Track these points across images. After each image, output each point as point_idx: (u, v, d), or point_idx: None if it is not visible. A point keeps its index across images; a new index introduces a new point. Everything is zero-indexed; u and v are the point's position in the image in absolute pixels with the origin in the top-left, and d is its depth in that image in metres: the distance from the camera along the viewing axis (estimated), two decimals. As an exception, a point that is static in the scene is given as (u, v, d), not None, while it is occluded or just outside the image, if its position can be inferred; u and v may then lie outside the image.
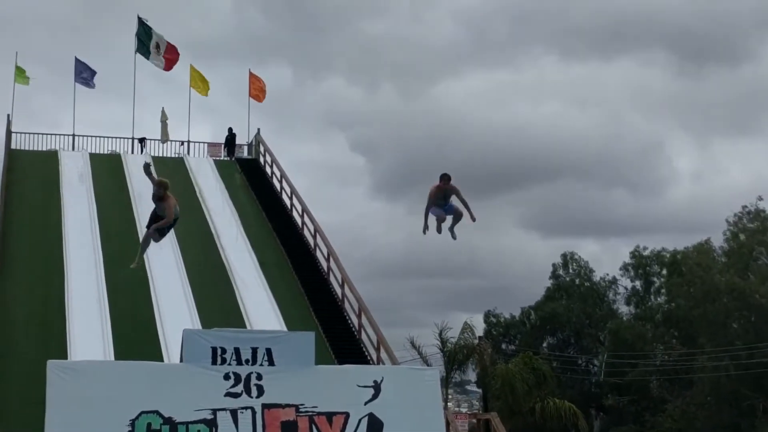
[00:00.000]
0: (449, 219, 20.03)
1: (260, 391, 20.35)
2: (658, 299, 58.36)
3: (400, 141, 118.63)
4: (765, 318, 47.14)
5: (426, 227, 20.74)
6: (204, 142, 46.70)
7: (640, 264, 58.62)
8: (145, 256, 32.13)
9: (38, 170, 39.58)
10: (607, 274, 60.56)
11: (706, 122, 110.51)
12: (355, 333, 29.25)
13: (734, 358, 46.27)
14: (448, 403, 48.70)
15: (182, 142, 46.22)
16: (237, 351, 20.54)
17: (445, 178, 19.65)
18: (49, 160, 40.95)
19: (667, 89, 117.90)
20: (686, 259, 52.42)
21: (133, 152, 44.75)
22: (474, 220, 19.63)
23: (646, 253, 58.70)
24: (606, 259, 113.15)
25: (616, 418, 53.35)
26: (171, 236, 33.63)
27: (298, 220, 36.29)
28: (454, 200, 20.01)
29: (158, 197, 16.47)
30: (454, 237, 19.76)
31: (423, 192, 19.98)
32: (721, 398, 46.21)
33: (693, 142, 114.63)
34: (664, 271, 57.21)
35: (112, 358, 24.96)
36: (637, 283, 58.94)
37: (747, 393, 45.05)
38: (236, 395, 20.21)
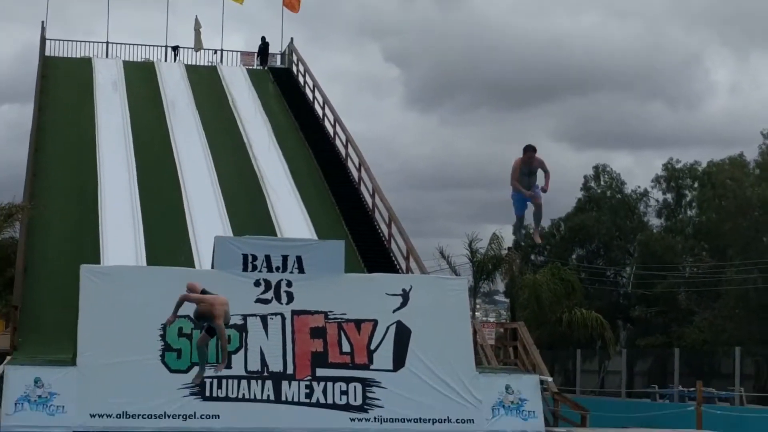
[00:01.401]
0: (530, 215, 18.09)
1: (290, 297, 20.70)
2: (689, 212, 58.24)
3: (435, 52, 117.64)
4: (796, 232, 47.12)
5: (520, 227, 18.91)
6: (237, 51, 46.73)
7: (672, 177, 58.37)
8: (176, 159, 32.55)
9: (72, 77, 39.79)
10: (639, 187, 60.41)
11: (745, 35, 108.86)
12: (385, 242, 29.50)
13: (763, 271, 46.30)
14: (476, 313, 49.12)
15: (215, 51, 46.26)
16: (268, 258, 20.87)
17: (530, 150, 17.19)
18: (83, 67, 41.14)
19: (707, 0, 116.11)
20: (719, 173, 52.16)
21: (166, 60, 44.83)
22: (545, 190, 17.41)
23: (679, 166, 58.45)
24: (639, 172, 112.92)
25: (643, 329, 53.61)
26: (203, 143, 34.01)
27: (330, 130, 36.38)
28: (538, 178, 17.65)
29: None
30: (535, 241, 18.23)
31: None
32: (749, 311, 46.31)
33: (731, 54, 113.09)
34: (696, 184, 56.99)
35: (144, 264, 25.32)
36: (669, 196, 58.77)
37: (776, 306, 45.20)
38: (266, 301, 20.58)
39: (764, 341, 43.99)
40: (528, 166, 17.00)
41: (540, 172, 17.47)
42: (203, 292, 14.69)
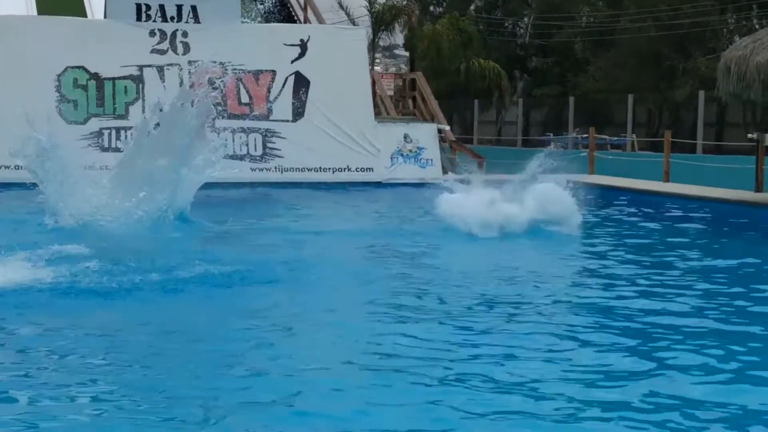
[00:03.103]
0: None
1: (186, 48, 20.51)
2: (588, -39, 58.01)
3: None
4: (691, -19, 47.32)
5: None
6: None
7: (572, -74, 57.82)
8: None
9: None
10: (540, -65, 59.86)
11: None
12: (282, -8, 29.00)
13: (657, 19, 46.74)
14: (376, 67, 49.04)
15: None
16: (162, 8, 20.51)
17: None
18: None
19: None
20: None
21: None
22: None
23: None
24: None
25: (540, 80, 54.07)
26: None
27: None
28: None
29: None
30: None
31: None
32: (642, 59, 46.89)
33: None
34: (596, -67, 56.59)
35: (35, 14, 24.61)
36: (568, -55, 58.37)
37: (669, 54, 45.83)
38: (162, 52, 20.37)
39: (656, 89, 44.91)
40: None
41: None
42: None
